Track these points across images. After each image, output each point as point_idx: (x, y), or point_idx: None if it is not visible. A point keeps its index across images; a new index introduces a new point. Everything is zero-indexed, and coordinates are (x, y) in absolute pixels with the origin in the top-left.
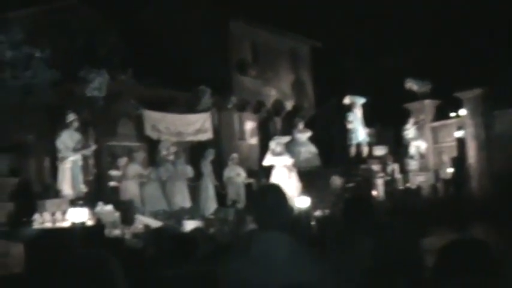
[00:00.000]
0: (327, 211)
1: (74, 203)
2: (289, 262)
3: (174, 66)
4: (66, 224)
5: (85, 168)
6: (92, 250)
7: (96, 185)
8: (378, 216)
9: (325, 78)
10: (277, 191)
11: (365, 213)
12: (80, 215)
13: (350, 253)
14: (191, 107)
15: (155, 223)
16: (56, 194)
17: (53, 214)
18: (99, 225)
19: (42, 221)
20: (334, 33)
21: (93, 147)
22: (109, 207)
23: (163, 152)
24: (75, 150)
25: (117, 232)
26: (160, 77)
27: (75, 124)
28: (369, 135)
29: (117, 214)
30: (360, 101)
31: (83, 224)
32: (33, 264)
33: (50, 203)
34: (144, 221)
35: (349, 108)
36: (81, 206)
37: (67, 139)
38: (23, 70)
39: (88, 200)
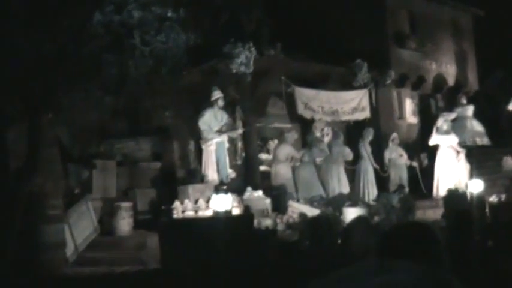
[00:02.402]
0: (503, 196)
1: (218, 188)
2: None
3: (327, 40)
4: (208, 212)
5: (233, 151)
6: None
7: (245, 170)
8: None
9: (490, 50)
10: None
11: None
12: (224, 203)
13: None
14: (346, 84)
15: (311, 211)
16: (201, 179)
17: (196, 201)
18: (247, 215)
19: (184, 209)
20: (497, 0)
21: (240, 130)
22: (259, 194)
23: (317, 134)
24: (220, 131)
25: (268, 222)
26: (312, 51)
27: (221, 103)
28: None
29: (267, 201)
30: None
31: (228, 212)
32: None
33: (192, 189)
34: (298, 208)
35: None
36: (225, 192)
37: (211, 119)
38: (155, 34)
39: (236, 186)
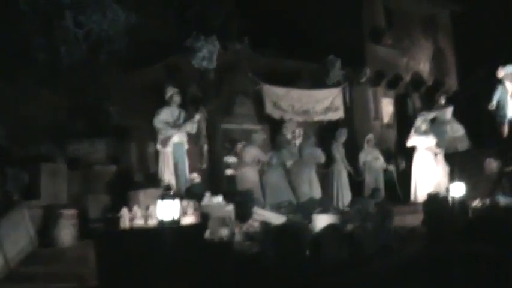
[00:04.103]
0: (487, 200)
1: (163, 194)
2: None
3: (299, 35)
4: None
5: (198, 154)
6: None
7: (209, 174)
8: None
9: (470, 48)
10: None
11: None
12: (170, 210)
13: None
14: (318, 81)
15: (277, 218)
16: (158, 184)
17: (147, 208)
18: (198, 224)
19: (132, 217)
20: None
21: (197, 117)
22: (218, 199)
23: (288, 135)
24: (177, 125)
25: (224, 232)
26: (283, 47)
27: (176, 99)
28: None
29: (230, 208)
30: (509, 70)
31: (175, 222)
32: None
33: (143, 195)
34: (263, 215)
35: (500, 80)
36: (172, 197)
37: (167, 117)
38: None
39: (198, 191)
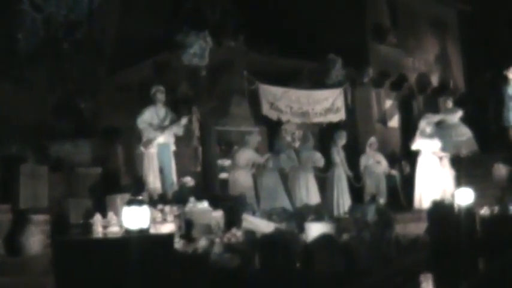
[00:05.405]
0: (495, 208)
1: (131, 200)
2: None
3: (299, 32)
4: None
5: (193, 157)
6: None
7: (202, 178)
8: None
9: (477, 49)
10: None
11: None
12: (138, 218)
13: None
14: (319, 81)
15: (268, 226)
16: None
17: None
18: (167, 234)
19: (106, 223)
20: None
21: (184, 120)
22: (203, 205)
23: (288, 139)
24: (161, 127)
25: (202, 243)
26: (281, 45)
27: (160, 97)
28: None
29: (218, 214)
30: None
31: (143, 231)
32: None
33: (121, 200)
34: (253, 223)
35: (508, 83)
36: (140, 204)
37: (151, 117)
38: None
39: (184, 196)
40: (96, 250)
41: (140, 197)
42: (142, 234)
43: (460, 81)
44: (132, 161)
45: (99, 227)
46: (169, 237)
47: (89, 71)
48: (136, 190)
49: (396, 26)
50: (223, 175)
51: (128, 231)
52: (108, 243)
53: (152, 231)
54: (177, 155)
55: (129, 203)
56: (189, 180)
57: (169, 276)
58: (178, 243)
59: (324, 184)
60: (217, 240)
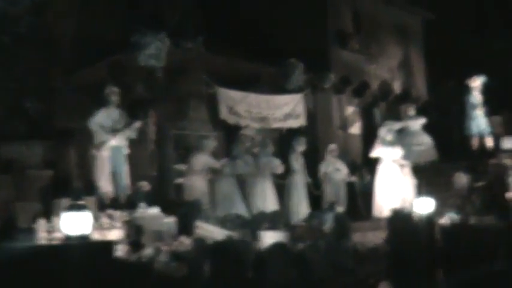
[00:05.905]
0: (456, 217)
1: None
2: None
3: (259, 36)
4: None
5: (148, 160)
6: None
7: (157, 183)
8: None
9: (441, 57)
10: None
11: None
12: (79, 224)
13: None
14: (278, 86)
15: (222, 233)
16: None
17: None
18: (106, 241)
19: (50, 229)
20: (449, 2)
21: (138, 124)
22: (154, 211)
23: (246, 144)
24: (114, 130)
25: (148, 251)
26: (241, 48)
27: (114, 99)
28: (494, 124)
29: (169, 220)
30: (480, 81)
31: (84, 238)
32: None
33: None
34: (207, 230)
35: (470, 91)
36: (79, 209)
37: (103, 119)
38: None
39: (137, 201)
40: (28, 259)
41: (82, 202)
42: (80, 241)
43: (423, 89)
44: (85, 164)
45: (43, 232)
46: (108, 244)
47: (43, 71)
48: (77, 194)
49: (359, 32)
50: (180, 180)
51: (67, 238)
52: (40, 251)
53: (98, 237)
54: (134, 158)
55: (69, 208)
56: (145, 185)
57: (107, 286)
58: (122, 251)
59: (283, 191)
60: (164, 248)
